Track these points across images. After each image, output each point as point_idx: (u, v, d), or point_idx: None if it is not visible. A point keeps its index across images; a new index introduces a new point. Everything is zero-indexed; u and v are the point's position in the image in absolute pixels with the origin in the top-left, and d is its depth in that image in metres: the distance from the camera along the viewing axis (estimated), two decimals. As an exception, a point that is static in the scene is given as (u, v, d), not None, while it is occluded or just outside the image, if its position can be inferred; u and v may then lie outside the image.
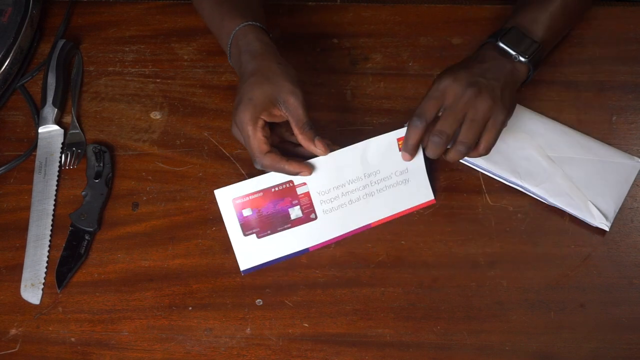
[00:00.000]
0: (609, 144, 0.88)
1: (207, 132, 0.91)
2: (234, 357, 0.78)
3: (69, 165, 0.89)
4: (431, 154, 0.79)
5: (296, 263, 0.82)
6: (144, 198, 0.87)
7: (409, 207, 0.85)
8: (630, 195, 0.86)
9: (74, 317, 0.80)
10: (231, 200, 0.79)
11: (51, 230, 0.85)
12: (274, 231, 0.81)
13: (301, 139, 0.78)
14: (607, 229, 0.83)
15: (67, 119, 0.93)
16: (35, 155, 0.90)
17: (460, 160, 0.87)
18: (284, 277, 0.82)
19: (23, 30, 0.94)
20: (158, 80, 0.95)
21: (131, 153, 0.90)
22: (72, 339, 0.79)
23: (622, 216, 0.85)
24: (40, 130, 0.91)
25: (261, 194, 0.79)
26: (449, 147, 0.79)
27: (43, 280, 0.82)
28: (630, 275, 0.81)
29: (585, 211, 0.84)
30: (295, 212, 0.81)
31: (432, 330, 0.79)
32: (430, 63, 0.95)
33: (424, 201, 0.85)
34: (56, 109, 0.91)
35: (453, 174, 0.88)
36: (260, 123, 0.77)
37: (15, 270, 0.82)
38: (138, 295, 0.81)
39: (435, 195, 0.85)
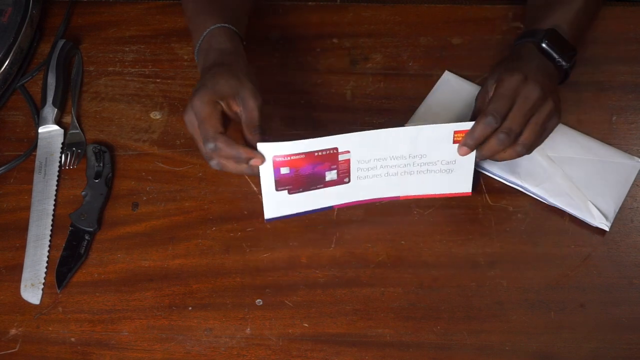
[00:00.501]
0: (609, 144, 0.88)
1: (207, 132, 0.91)
2: (234, 357, 0.78)
3: (69, 165, 0.89)
4: (489, 152, 0.79)
5: (296, 263, 0.82)
6: (144, 198, 0.87)
7: (444, 193, 0.84)
8: (630, 195, 0.86)
9: (74, 317, 0.80)
10: (272, 157, 0.77)
11: (51, 230, 0.85)
12: (306, 189, 0.81)
13: (248, 139, 0.77)
14: (607, 229, 0.83)
15: (67, 119, 0.93)
16: (35, 155, 0.90)
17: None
18: (284, 277, 0.82)
19: (23, 30, 0.94)
20: (158, 80, 0.95)
21: (131, 153, 0.90)
22: (72, 339, 0.79)
23: (622, 216, 0.85)
24: (40, 130, 0.91)
25: (303, 156, 0.78)
26: None
27: (43, 280, 0.82)
28: (630, 275, 0.81)
29: (585, 211, 0.84)
30: (330, 175, 0.80)
31: (432, 330, 0.79)
32: (430, 63, 0.95)
33: (460, 191, 0.85)
34: (56, 109, 0.91)
35: (453, 174, 0.88)
36: (219, 107, 0.76)
37: (15, 270, 0.82)
38: (138, 295, 0.81)
39: (473, 189, 0.85)
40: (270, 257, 0.83)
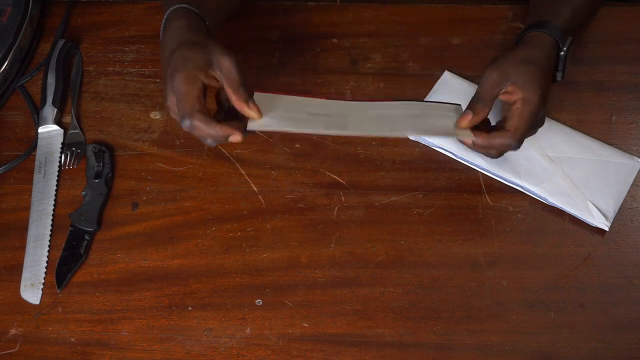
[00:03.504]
0: (609, 143, 0.88)
1: (207, 132, 0.91)
2: (234, 357, 0.78)
3: (68, 165, 0.89)
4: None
5: (296, 263, 0.82)
6: (144, 198, 0.87)
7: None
8: (630, 195, 0.86)
9: (73, 317, 0.80)
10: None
11: (51, 230, 0.85)
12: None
13: (234, 99, 0.75)
14: (607, 228, 0.83)
15: (67, 119, 0.93)
16: (35, 155, 0.90)
17: (460, 160, 0.88)
18: (284, 277, 0.82)
19: (23, 30, 0.94)
20: (158, 80, 0.95)
21: (131, 153, 0.90)
22: (72, 339, 0.79)
23: (622, 216, 0.85)
24: (40, 130, 0.91)
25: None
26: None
27: (43, 280, 0.82)
28: (630, 275, 0.81)
29: (585, 211, 0.84)
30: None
31: (432, 330, 0.79)
32: (430, 63, 0.95)
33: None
34: (56, 109, 0.91)
35: (453, 174, 0.88)
36: (198, 83, 0.74)
37: (15, 270, 0.82)
38: (138, 295, 0.81)
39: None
40: (270, 257, 0.83)
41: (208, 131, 0.74)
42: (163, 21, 0.81)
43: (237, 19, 0.95)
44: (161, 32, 0.81)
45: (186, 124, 0.73)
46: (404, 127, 0.79)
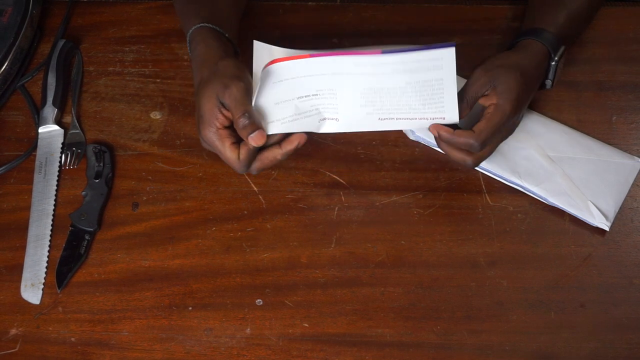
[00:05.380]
0: (609, 143, 0.88)
1: (207, 132, 0.91)
2: (234, 357, 0.78)
3: (69, 165, 0.89)
4: (449, 152, 0.81)
5: (296, 263, 0.82)
6: (144, 198, 0.87)
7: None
8: (630, 195, 0.86)
9: (74, 317, 0.80)
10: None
11: (51, 230, 0.85)
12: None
13: (236, 127, 0.75)
14: (607, 228, 0.83)
15: (67, 119, 0.93)
16: (35, 155, 0.90)
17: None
18: (284, 277, 0.82)
19: (23, 30, 0.94)
20: (158, 80, 0.95)
21: (131, 153, 0.90)
22: (72, 339, 0.79)
23: (622, 216, 0.85)
24: (40, 130, 0.91)
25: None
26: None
27: (43, 280, 0.82)
28: (631, 275, 0.81)
29: (585, 211, 0.84)
30: None
31: (432, 330, 0.79)
32: (430, 63, 0.95)
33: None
34: (56, 109, 0.91)
35: (453, 174, 0.88)
36: (222, 133, 0.76)
37: (15, 270, 0.82)
38: (138, 295, 0.81)
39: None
40: (270, 257, 0.83)
41: (258, 166, 0.78)
42: (188, 41, 0.83)
43: (237, 19, 0.96)
44: (189, 52, 0.83)
45: (241, 170, 0.77)
46: (390, 116, 0.79)
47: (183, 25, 0.86)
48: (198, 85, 0.79)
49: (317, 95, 0.78)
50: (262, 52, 0.79)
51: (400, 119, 0.79)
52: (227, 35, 0.83)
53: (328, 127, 0.80)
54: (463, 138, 0.78)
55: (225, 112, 0.76)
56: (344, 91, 0.78)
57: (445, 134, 0.78)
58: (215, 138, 0.76)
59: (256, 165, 0.77)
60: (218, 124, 0.76)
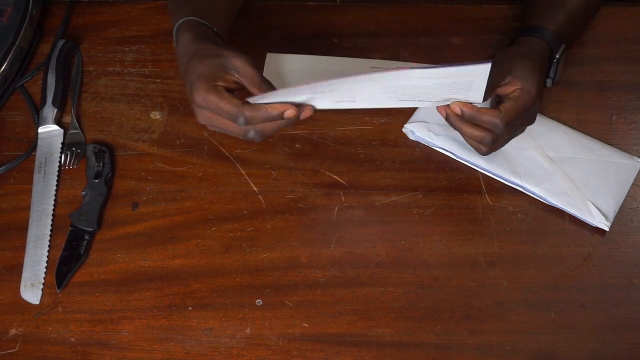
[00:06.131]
0: (609, 143, 0.89)
1: (207, 132, 0.91)
2: (234, 357, 0.78)
3: (68, 165, 0.89)
4: (468, 136, 0.80)
5: (296, 263, 0.82)
6: (144, 198, 0.87)
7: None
8: (630, 195, 0.86)
9: (73, 317, 0.80)
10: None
11: (51, 230, 0.85)
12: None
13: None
14: (607, 228, 0.83)
15: (67, 119, 0.93)
16: (35, 155, 0.90)
17: (460, 160, 0.88)
18: (284, 277, 0.82)
19: (23, 30, 0.94)
20: (158, 80, 0.95)
21: (131, 153, 0.90)
22: (72, 339, 0.79)
23: (622, 216, 0.85)
24: (40, 130, 0.91)
25: None
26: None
27: (43, 280, 0.82)
28: (631, 275, 0.81)
29: (585, 211, 0.84)
30: None
31: (432, 330, 0.79)
32: (430, 63, 0.95)
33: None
34: (56, 109, 0.91)
35: (453, 174, 0.88)
36: (220, 88, 0.73)
37: (15, 270, 0.82)
38: (138, 295, 0.81)
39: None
40: (270, 257, 0.83)
41: (261, 115, 0.72)
42: (174, 36, 0.81)
43: (237, 19, 0.95)
44: (175, 46, 0.81)
45: (241, 121, 0.72)
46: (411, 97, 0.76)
47: (173, 22, 0.83)
48: (193, 53, 0.75)
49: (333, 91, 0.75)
50: (276, 61, 0.76)
51: (422, 100, 0.77)
52: (215, 29, 0.81)
53: (344, 105, 0.77)
54: (488, 116, 0.77)
55: (232, 75, 0.74)
56: (363, 94, 0.75)
57: (468, 110, 0.77)
58: (214, 92, 0.73)
59: (259, 126, 0.74)
60: (222, 83, 0.73)
